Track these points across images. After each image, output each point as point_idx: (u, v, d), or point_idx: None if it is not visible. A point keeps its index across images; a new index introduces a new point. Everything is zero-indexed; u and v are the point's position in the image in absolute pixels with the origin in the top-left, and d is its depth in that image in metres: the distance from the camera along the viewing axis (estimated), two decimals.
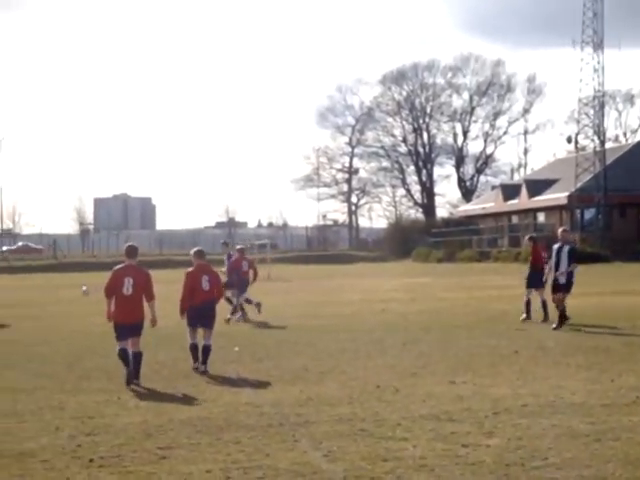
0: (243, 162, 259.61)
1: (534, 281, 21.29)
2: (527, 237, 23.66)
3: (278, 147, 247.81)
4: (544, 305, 20.78)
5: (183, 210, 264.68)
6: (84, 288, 29.41)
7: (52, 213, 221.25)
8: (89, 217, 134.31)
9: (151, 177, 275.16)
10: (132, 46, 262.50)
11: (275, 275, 52.23)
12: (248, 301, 24.50)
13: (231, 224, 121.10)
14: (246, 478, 7.72)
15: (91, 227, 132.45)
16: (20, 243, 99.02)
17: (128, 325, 13.26)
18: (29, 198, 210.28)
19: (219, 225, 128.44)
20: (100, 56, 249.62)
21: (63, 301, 33.47)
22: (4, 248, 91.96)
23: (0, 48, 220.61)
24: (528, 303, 21.10)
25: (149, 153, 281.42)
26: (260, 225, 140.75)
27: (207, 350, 14.32)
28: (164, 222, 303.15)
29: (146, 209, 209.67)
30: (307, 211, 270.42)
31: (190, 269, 14.90)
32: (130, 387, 12.79)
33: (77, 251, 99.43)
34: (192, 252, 15.17)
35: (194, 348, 14.44)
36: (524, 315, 20.93)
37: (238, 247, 26.97)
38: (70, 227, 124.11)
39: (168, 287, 23.05)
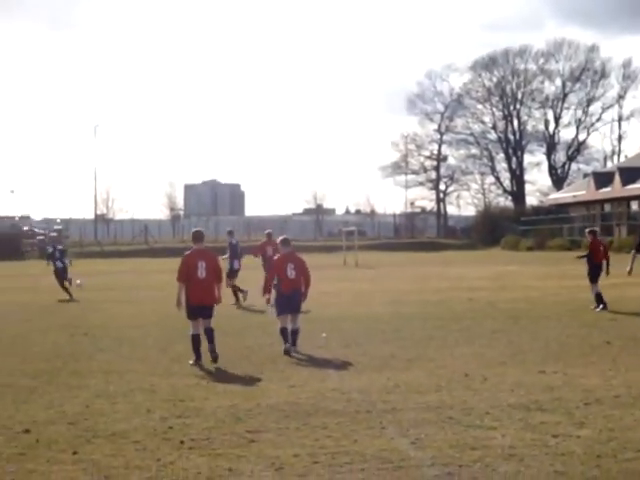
0: (331, 149, 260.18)
1: (594, 275, 21.49)
2: (587, 230, 23.13)
3: (366, 134, 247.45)
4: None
5: (271, 197, 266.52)
6: (78, 282, 29.82)
7: (144, 199, 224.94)
8: (179, 203, 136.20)
9: (240, 163, 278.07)
10: (221, 34, 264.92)
11: (362, 262, 52.27)
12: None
13: (319, 211, 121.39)
14: (333, 463, 7.75)
15: (181, 213, 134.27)
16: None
17: (202, 307, 13.93)
18: (122, 184, 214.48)
19: (307, 212, 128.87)
20: (190, 44, 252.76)
21: (154, 286, 34.04)
22: None
23: (99, 37, 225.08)
24: (599, 295, 21.08)
25: (238, 140, 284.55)
26: (348, 212, 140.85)
27: (295, 333, 14.95)
28: (252, 208, 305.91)
29: (235, 195, 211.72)
30: (395, 198, 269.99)
31: (276, 256, 15.32)
32: (197, 365, 13.48)
33: (168, 236, 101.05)
34: (278, 240, 15.80)
35: (285, 331, 14.82)
36: (599, 306, 20.83)
37: (266, 232, 27.20)
38: (161, 213, 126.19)
39: (257, 273, 23.28)
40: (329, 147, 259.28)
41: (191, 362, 13.68)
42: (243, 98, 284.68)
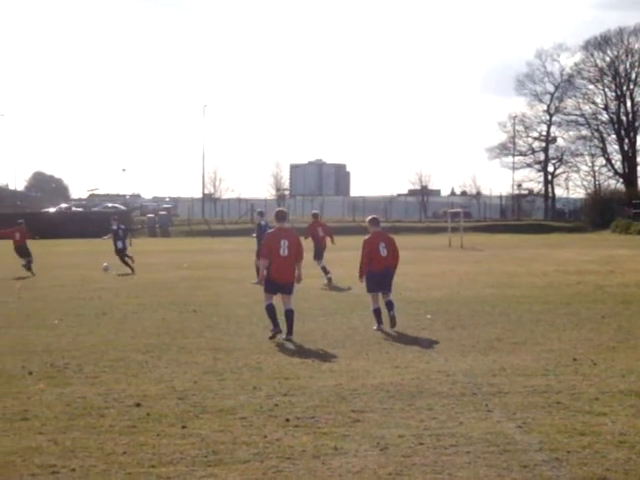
0: (437, 129, 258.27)
1: None
2: None
3: (472, 115, 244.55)
4: None
5: (376, 177, 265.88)
6: (105, 264, 30.42)
7: (250, 179, 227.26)
8: (285, 183, 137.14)
9: (346, 144, 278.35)
10: (332, 14, 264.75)
11: (467, 244, 51.76)
12: (325, 271, 24.48)
13: (424, 192, 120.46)
14: (439, 445, 7.72)
15: (287, 193, 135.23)
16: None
17: (281, 283, 14.34)
18: (229, 164, 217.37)
19: (412, 192, 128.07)
20: (297, 23, 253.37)
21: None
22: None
23: (211, 17, 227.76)
24: None
25: (345, 120, 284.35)
26: (453, 193, 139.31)
27: (391, 306, 15.20)
28: (358, 189, 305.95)
29: (340, 175, 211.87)
30: (501, 180, 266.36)
31: (367, 236, 15.60)
32: (275, 335, 14.07)
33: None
34: (367, 219, 16.10)
35: (378, 311, 15.10)
36: None
37: (313, 212, 27.23)
38: (267, 192, 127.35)
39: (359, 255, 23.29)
40: (435, 128, 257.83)
41: (270, 334, 14.17)
42: (350, 78, 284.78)
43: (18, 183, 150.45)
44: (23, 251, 30.82)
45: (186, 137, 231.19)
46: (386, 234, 15.91)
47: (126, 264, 30.19)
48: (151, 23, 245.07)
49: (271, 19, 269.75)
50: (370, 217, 16.13)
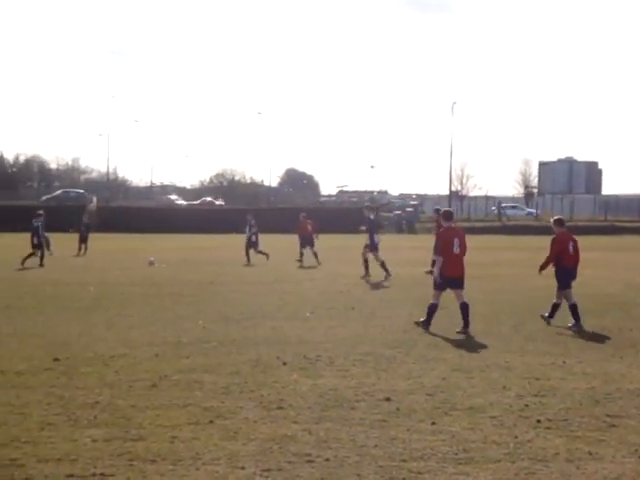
0: None
1: None
2: None
3: None
4: None
5: (632, 175, 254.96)
6: (151, 259, 31.19)
7: (498, 176, 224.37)
8: (534, 180, 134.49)
9: (598, 140, 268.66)
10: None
11: None
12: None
13: None
14: None
15: (535, 190, 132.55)
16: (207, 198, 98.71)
17: (455, 279, 15.09)
18: (477, 161, 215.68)
19: None
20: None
21: (505, 263, 33.92)
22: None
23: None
24: None
25: (596, 116, 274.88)
26: None
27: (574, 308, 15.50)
28: (610, 187, 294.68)
29: (592, 173, 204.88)
30: None
31: (554, 236, 16.27)
32: (423, 327, 14.98)
33: (521, 214, 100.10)
34: (552, 220, 16.72)
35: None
36: None
37: (435, 207, 28.01)
38: (515, 190, 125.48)
39: (615, 255, 22.43)
40: None
41: (419, 321, 15.34)
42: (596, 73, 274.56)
43: (272, 179, 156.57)
44: (308, 242, 33.08)
45: (434, 134, 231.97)
46: (571, 235, 16.46)
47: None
48: (421, 28, 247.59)
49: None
50: (555, 217, 16.88)
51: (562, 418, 8.69)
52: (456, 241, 15.31)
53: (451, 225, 15.81)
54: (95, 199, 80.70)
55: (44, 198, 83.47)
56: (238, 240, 37.46)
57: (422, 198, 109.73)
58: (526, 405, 9.26)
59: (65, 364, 11.47)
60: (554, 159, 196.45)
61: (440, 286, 15.18)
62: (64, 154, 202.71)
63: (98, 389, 9.95)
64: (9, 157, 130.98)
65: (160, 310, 17.53)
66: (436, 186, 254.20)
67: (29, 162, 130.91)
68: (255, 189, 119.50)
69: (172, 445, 7.71)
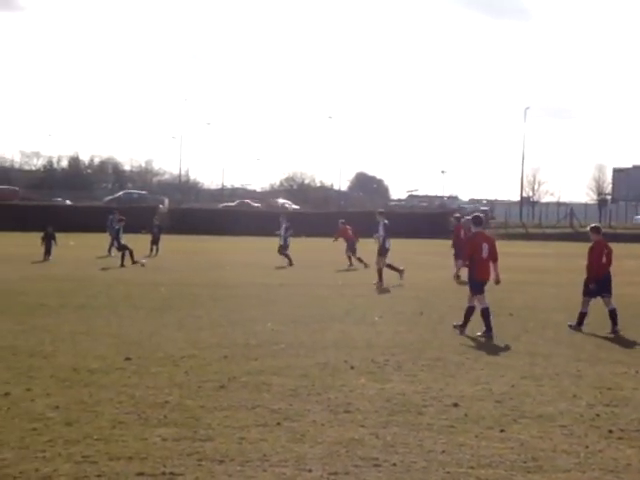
0: None
1: None
2: None
3: None
4: None
5: None
6: (143, 260, 32.15)
7: (571, 182, 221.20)
8: (608, 187, 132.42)
9: None
10: None
11: None
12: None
13: None
14: None
15: (609, 197, 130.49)
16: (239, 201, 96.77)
17: (484, 282, 15.47)
18: (549, 167, 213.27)
19: None
20: None
21: (579, 270, 33.38)
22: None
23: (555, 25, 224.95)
24: None
25: None
26: None
27: (612, 314, 15.86)
28: None
29: None
30: None
31: (591, 244, 16.82)
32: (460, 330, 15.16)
33: (594, 221, 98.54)
34: (589, 228, 17.31)
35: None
36: None
37: (455, 215, 28.56)
38: (587, 196, 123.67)
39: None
40: None
41: (455, 324, 15.65)
42: None
43: (342, 183, 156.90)
44: (351, 247, 33.52)
45: (506, 139, 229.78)
46: (605, 243, 16.81)
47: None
48: (494, 33, 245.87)
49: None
50: (592, 225, 17.48)
51: (635, 429, 8.55)
52: (484, 246, 15.57)
53: (480, 230, 16.21)
54: (166, 201, 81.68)
55: (107, 199, 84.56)
56: (307, 243, 37.60)
57: (493, 204, 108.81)
58: (597, 415, 9.13)
59: (136, 363, 11.65)
60: (629, 165, 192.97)
61: (476, 289, 15.41)
62: (138, 156, 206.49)
63: (168, 389, 10.08)
64: (85, 159, 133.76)
65: (229, 312, 17.68)
66: (507, 192, 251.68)
67: (104, 164, 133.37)
68: (325, 193, 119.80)
69: (240, 446, 7.77)
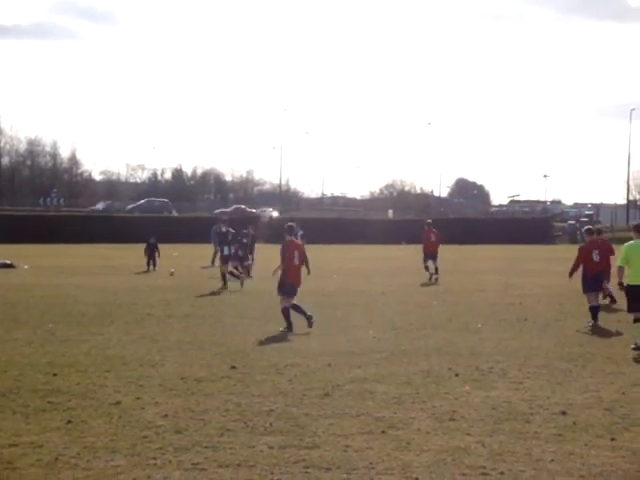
0: None
1: None
2: None
3: None
4: None
5: None
6: (172, 270, 32.10)
7: None
8: None
9: None
10: None
11: None
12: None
13: None
14: None
15: None
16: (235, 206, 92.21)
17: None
18: None
19: None
20: None
21: None
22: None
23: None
24: None
25: None
26: None
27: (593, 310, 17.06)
28: None
29: None
30: None
31: (582, 244, 18.22)
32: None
33: None
34: (584, 229, 19.05)
35: (594, 309, 17.12)
36: None
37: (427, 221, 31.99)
38: None
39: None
40: None
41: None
42: None
43: (442, 189, 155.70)
44: (431, 255, 30.67)
45: (611, 141, 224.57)
46: (602, 243, 18.30)
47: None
48: (595, 35, 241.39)
49: None
50: (586, 227, 19.43)
51: None
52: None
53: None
54: (272, 211, 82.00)
55: (129, 207, 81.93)
56: (407, 250, 37.37)
57: (597, 207, 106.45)
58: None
59: (241, 372, 11.79)
60: None
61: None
62: (239, 167, 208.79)
63: (273, 397, 10.18)
64: (187, 170, 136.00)
65: (332, 320, 17.73)
66: (612, 195, 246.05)
67: (206, 175, 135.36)
68: (425, 199, 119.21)
69: (346, 454, 7.79)
